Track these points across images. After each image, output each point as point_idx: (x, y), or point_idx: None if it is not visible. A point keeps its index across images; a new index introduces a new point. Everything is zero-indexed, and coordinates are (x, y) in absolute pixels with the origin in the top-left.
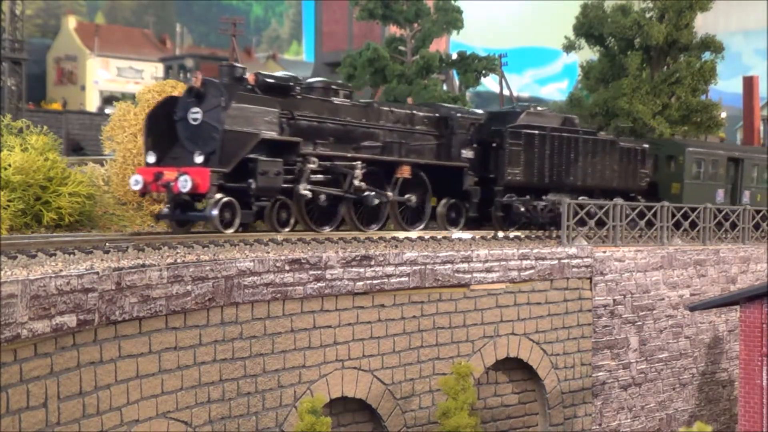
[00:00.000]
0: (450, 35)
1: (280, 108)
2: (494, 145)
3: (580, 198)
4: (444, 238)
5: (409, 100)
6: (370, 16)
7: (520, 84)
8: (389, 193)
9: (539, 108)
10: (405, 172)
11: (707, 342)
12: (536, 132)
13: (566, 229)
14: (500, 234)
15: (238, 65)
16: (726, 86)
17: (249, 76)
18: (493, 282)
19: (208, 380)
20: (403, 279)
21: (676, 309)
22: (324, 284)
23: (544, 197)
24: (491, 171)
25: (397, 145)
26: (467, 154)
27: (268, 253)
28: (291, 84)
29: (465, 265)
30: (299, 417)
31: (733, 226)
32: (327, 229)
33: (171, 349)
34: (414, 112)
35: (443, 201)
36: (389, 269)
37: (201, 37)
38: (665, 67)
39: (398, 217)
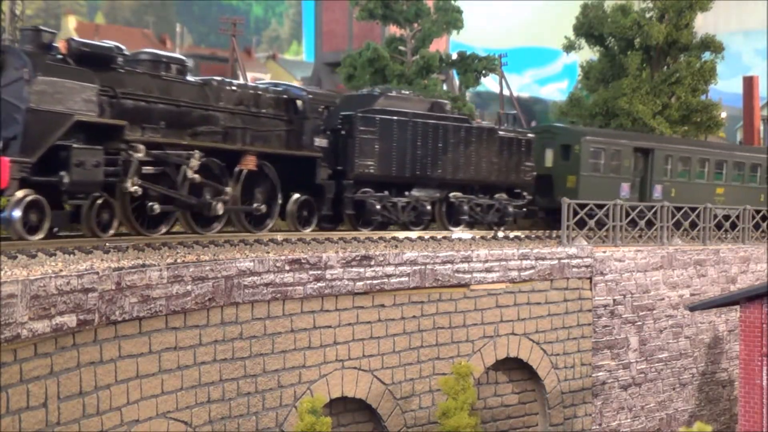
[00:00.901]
0: (450, 35)
1: (99, 83)
2: (344, 132)
3: (452, 195)
4: (444, 238)
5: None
6: (370, 16)
7: (520, 84)
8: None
9: (404, 91)
10: (250, 163)
11: (707, 342)
12: (395, 117)
13: (566, 229)
14: (500, 234)
15: (45, 29)
16: (726, 86)
17: (60, 43)
18: (493, 282)
19: (208, 380)
20: (403, 279)
21: (676, 309)
22: (324, 284)
23: (407, 193)
24: (342, 162)
25: (240, 132)
26: (321, 142)
27: (268, 253)
28: (112, 54)
29: (465, 265)
30: (299, 417)
31: (733, 226)
32: (159, 232)
33: (171, 349)
34: (259, 92)
35: (294, 197)
36: (389, 269)
37: (201, 37)
38: (665, 67)
39: (242, 218)
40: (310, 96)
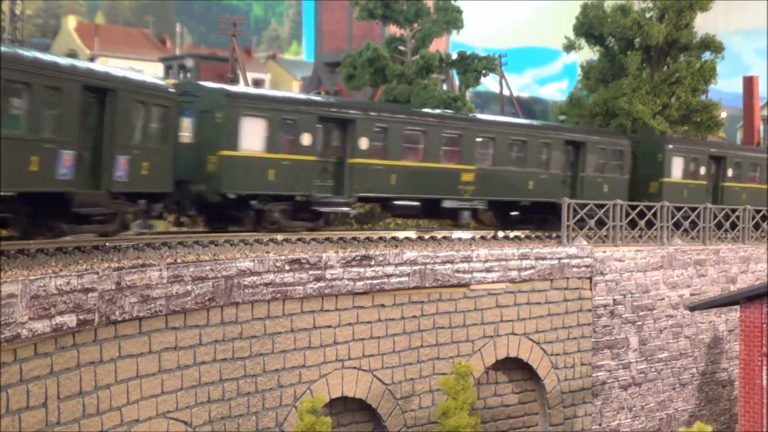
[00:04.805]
0: (450, 35)
1: None
2: None
3: None
4: (444, 238)
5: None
6: (370, 16)
7: (520, 84)
8: None
9: None
10: None
11: (707, 342)
12: None
13: (566, 229)
14: (500, 233)
15: None
16: (726, 86)
17: None
18: (493, 282)
19: (208, 380)
20: (403, 279)
21: (676, 309)
22: (324, 284)
23: None
24: None
25: None
26: None
27: (268, 253)
28: None
29: (465, 265)
30: (299, 417)
31: (734, 226)
32: None
33: (171, 349)
34: None
35: None
36: (389, 269)
37: (201, 37)
38: (665, 67)
39: None
40: None
